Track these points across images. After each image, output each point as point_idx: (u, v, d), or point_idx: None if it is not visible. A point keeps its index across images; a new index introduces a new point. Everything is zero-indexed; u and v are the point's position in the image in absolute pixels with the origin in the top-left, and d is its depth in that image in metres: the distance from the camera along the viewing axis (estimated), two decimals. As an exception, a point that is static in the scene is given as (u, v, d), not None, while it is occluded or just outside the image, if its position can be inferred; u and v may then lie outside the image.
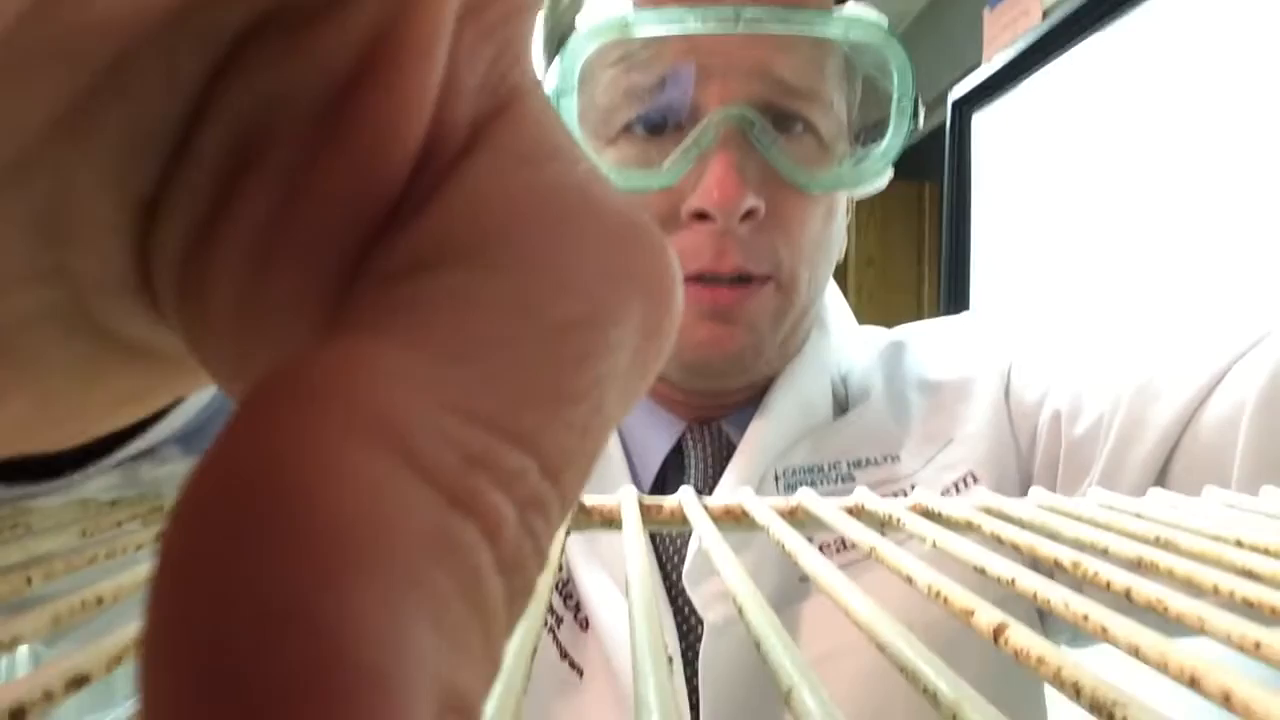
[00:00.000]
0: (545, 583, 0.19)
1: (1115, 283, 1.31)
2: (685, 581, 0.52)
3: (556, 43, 0.56)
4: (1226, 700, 0.13)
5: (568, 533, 0.27)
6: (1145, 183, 1.25)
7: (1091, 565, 0.20)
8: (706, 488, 0.56)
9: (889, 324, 0.73)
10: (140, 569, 0.20)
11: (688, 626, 0.52)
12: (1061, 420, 0.55)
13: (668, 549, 0.55)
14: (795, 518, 0.29)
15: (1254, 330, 0.46)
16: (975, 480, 0.56)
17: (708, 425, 0.59)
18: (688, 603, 0.52)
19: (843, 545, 0.53)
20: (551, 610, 0.54)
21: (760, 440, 0.56)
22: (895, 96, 0.56)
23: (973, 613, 0.17)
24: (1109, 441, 0.50)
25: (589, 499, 0.30)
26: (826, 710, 0.13)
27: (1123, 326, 1.24)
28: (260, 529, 0.06)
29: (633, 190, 0.53)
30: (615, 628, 0.51)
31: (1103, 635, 0.16)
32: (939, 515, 0.28)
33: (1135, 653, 0.15)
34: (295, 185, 0.09)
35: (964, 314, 0.75)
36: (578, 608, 0.54)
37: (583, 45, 0.52)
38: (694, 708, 0.50)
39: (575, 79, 0.53)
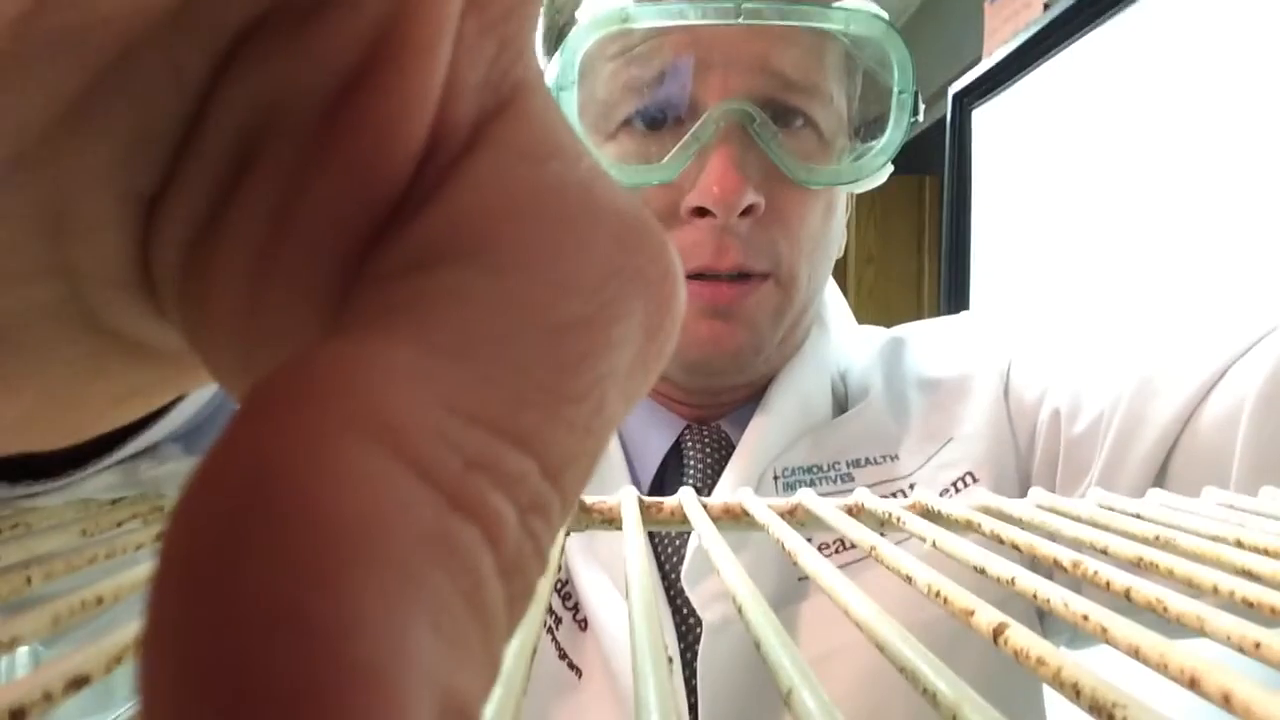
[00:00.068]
0: (544, 584, 0.19)
1: (1116, 278, 1.31)
2: (684, 581, 0.52)
3: (556, 36, 0.56)
4: (1226, 701, 0.13)
5: (567, 533, 0.27)
6: (1146, 178, 1.25)
7: (1091, 565, 0.20)
8: (705, 487, 0.56)
9: (889, 320, 0.73)
10: (140, 569, 0.20)
11: (686, 626, 0.52)
12: (1061, 419, 0.55)
13: (666, 549, 0.55)
14: (795, 517, 0.29)
15: (1254, 329, 0.46)
16: (974, 479, 0.56)
17: (706, 424, 0.59)
18: (686, 602, 0.52)
19: (842, 545, 0.53)
20: (550, 610, 0.54)
21: (759, 439, 0.56)
22: (895, 90, 0.56)
23: (973, 613, 0.17)
24: (1108, 440, 0.50)
25: (588, 498, 0.30)
26: (826, 710, 0.13)
27: (1122, 324, 1.24)
28: (260, 530, 0.06)
29: (632, 185, 0.53)
30: (614, 628, 0.51)
31: (1102, 635, 0.16)
32: (939, 515, 0.29)
33: (1135, 653, 0.15)
34: (297, 184, 0.09)
35: (963, 313, 0.75)
36: (576, 608, 0.54)
37: (582, 39, 0.52)
38: (692, 707, 0.50)
39: (575, 73, 0.53)
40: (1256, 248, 1.02)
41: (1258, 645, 0.15)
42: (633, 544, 0.24)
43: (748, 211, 0.52)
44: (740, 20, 0.51)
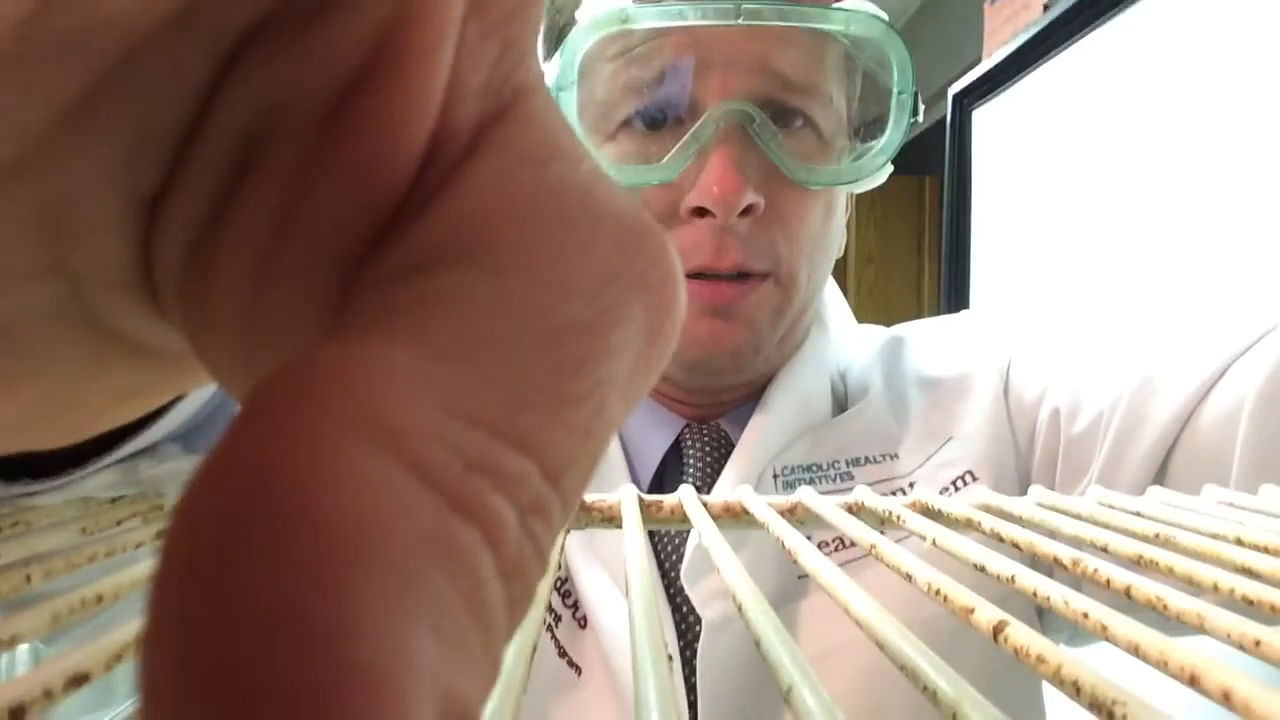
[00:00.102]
0: (544, 584, 0.19)
1: (1116, 278, 1.31)
2: (683, 579, 0.52)
3: (556, 37, 0.56)
4: (1226, 698, 0.13)
5: (567, 531, 0.27)
6: (1146, 178, 1.25)
7: (1091, 563, 0.20)
8: (705, 486, 0.56)
9: (889, 320, 0.73)
10: (140, 567, 0.20)
11: (686, 624, 0.52)
12: (1061, 418, 0.55)
13: (665, 547, 0.55)
14: (795, 515, 0.29)
15: (1254, 328, 0.46)
16: (974, 478, 0.56)
17: (706, 423, 0.59)
18: (686, 601, 0.52)
19: (841, 543, 0.53)
20: (550, 608, 0.54)
21: (759, 438, 0.56)
22: (895, 91, 0.56)
23: (973, 611, 0.17)
24: (1108, 438, 0.50)
25: (588, 496, 0.30)
26: (826, 708, 0.13)
27: (1122, 323, 1.24)
28: (261, 531, 0.06)
29: (632, 185, 0.53)
30: (614, 626, 0.51)
31: (1102, 633, 0.16)
32: (939, 513, 0.29)
33: (1135, 651, 0.15)
34: (299, 185, 0.09)
35: (963, 312, 0.75)
36: (576, 606, 0.54)
37: (582, 39, 0.52)
38: (691, 705, 0.50)
39: (574, 73, 0.53)
40: (1257, 248, 1.02)
41: (1258, 643, 0.15)
42: (633, 542, 0.24)
43: (747, 211, 0.52)
44: (740, 21, 0.51)
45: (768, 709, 0.50)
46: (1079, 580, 0.21)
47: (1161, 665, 0.14)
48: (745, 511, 0.29)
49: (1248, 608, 0.18)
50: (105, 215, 0.10)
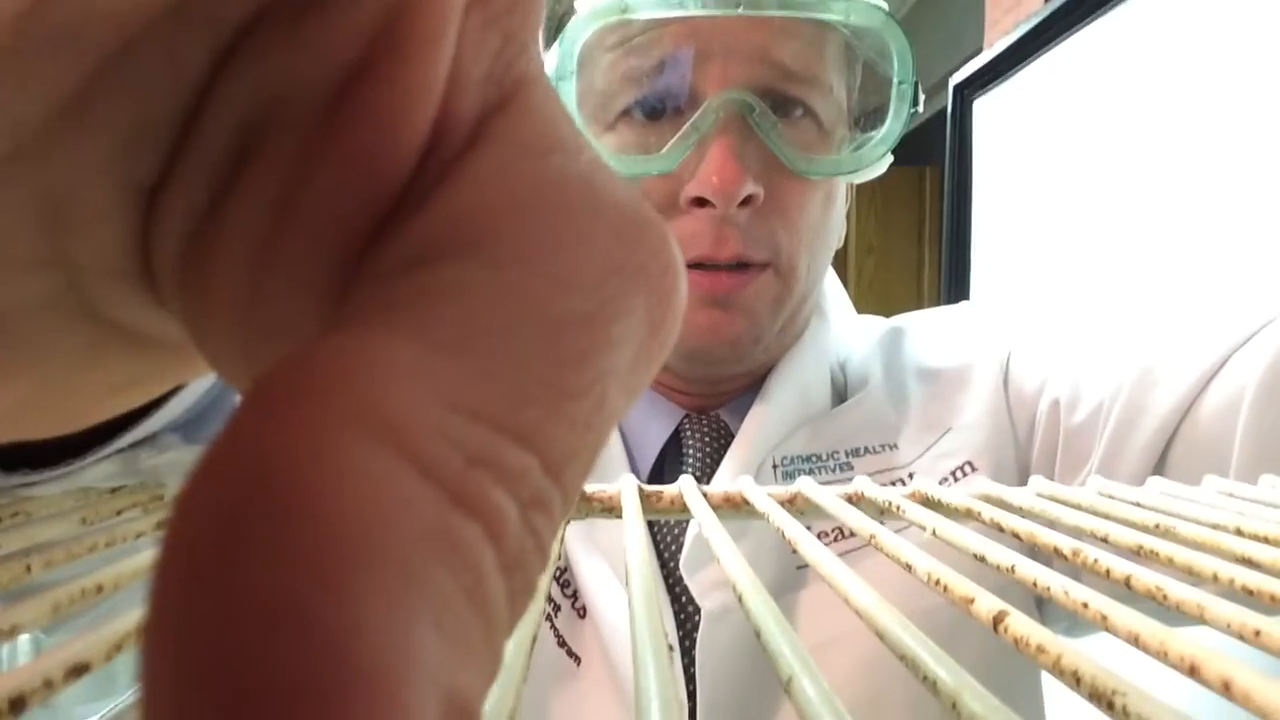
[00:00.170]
0: (544, 575, 0.19)
1: (1117, 269, 1.31)
2: (682, 569, 0.52)
3: (555, 26, 0.55)
4: (1226, 688, 0.13)
5: (566, 521, 0.27)
6: (1148, 169, 1.25)
7: (1091, 553, 0.20)
8: (704, 476, 0.56)
9: (889, 311, 0.73)
10: (140, 557, 0.20)
11: (685, 614, 0.52)
12: (1060, 408, 0.55)
13: (664, 537, 0.55)
14: (795, 505, 0.30)
15: (1254, 319, 0.46)
16: (973, 469, 0.56)
17: (706, 413, 0.59)
18: (685, 591, 0.52)
19: (841, 534, 0.53)
20: (549, 598, 0.54)
21: (758, 429, 0.56)
22: (895, 81, 0.56)
23: (973, 601, 0.17)
24: (1108, 429, 0.50)
25: (588, 486, 0.30)
26: (826, 698, 0.13)
27: (1123, 314, 1.24)
28: (262, 527, 0.06)
29: (631, 175, 0.53)
30: (613, 616, 0.51)
31: (1102, 623, 0.16)
32: (938, 503, 0.29)
33: (1135, 641, 0.15)
34: (298, 176, 0.09)
35: (963, 303, 0.75)
36: (575, 596, 0.54)
37: (581, 29, 0.52)
38: (691, 695, 0.50)
39: (574, 63, 0.53)
40: (1258, 238, 1.02)
41: (1258, 633, 0.15)
42: (633, 532, 0.24)
43: (747, 202, 0.52)
44: (740, 10, 0.51)
45: (767, 699, 0.50)
46: (1078, 570, 0.21)
47: (1161, 655, 0.14)
48: (745, 502, 0.29)
49: (1248, 598, 0.18)
50: (103, 205, 0.10)
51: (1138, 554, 0.22)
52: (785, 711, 0.50)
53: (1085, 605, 0.17)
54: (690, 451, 0.58)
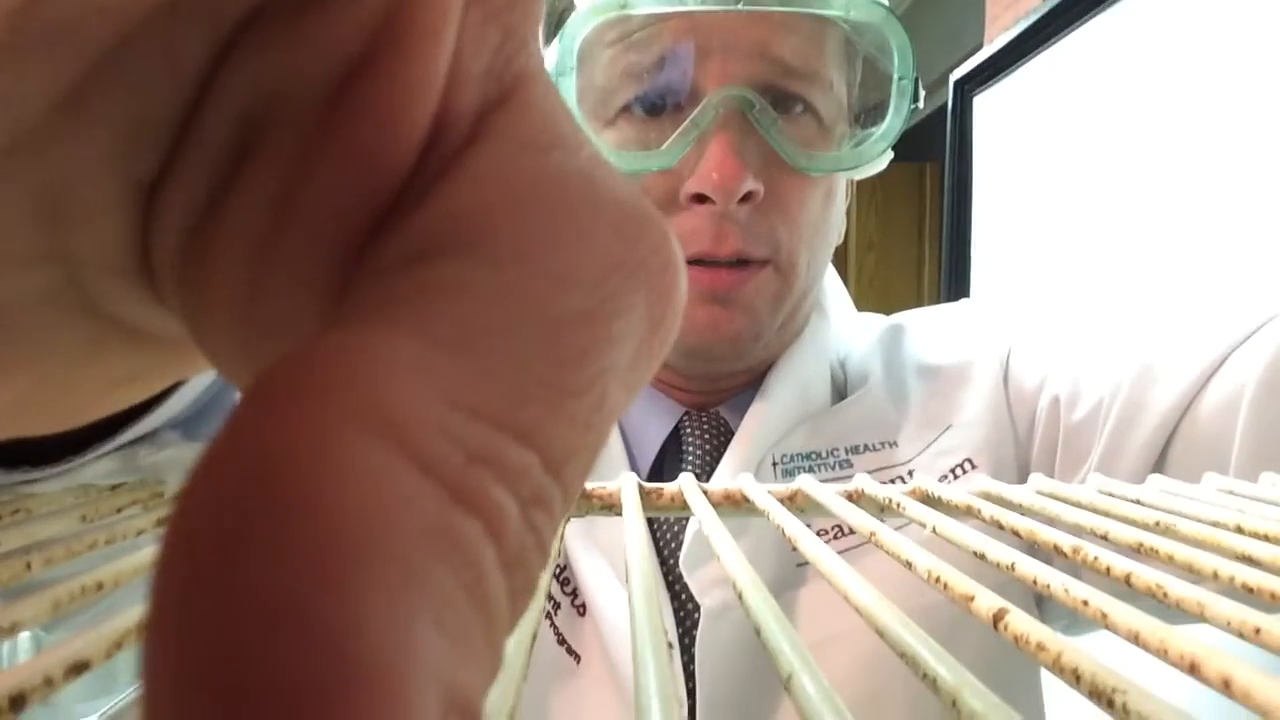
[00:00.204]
0: (544, 573, 0.19)
1: (1117, 266, 1.30)
2: (682, 567, 0.52)
3: (555, 22, 0.55)
4: (1226, 686, 0.13)
5: (566, 519, 0.27)
6: (1148, 166, 1.25)
7: (1091, 551, 0.20)
8: (704, 474, 0.56)
9: (890, 307, 0.73)
10: (140, 554, 0.20)
11: (684, 612, 0.52)
12: (1060, 406, 0.55)
13: (664, 534, 0.55)
14: (795, 503, 0.29)
15: (1254, 316, 0.46)
16: (973, 466, 0.56)
17: (706, 411, 0.59)
18: (685, 588, 0.52)
19: (840, 531, 0.53)
20: (549, 596, 0.54)
21: (758, 426, 0.56)
22: (895, 77, 0.56)
23: (973, 598, 0.17)
24: (1108, 427, 0.50)
25: (588, 483, 0.30)
26: (826, 695, 0.13)
27: (1123, 311, 1.24)
28: (262, 524, 0.06)
29: (631, 172, 0.53)
30: (612, 613, 0.51)
31: (1102, 621, 0.16)
32: (938, 500, 0.29)
33: (1135, 639, 0.15)
34: (298, 171, 0.09)
35: (963, 301, 0.75)
36: (575, 593, 0.54)
37: (581, 24, 0.52)
38: (690, 693, 0.50)
39: (573, 59, 0.53)
40: (1259, 235, 1.02)
41: (1258, 631, 0.15)
42: (633, 530, 0.24)
43: (747, 198, 0.52)
44: (740, 6, 0.50)
45: (766, 696, 0.50)
46: (1078, 568, 0.21)
47: (1161, 653, 0.14)
48: (745, 499, 0.29)
49: (1248, 595, 0.18)
50: (103, 200, 0.10)
51: (1138, 551, 0.22)
52: (785, 709, 0.50)
53: (1085, 603, 0.17)
54: (690, 449, 0.58)
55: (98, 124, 0.09)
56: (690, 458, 0.57)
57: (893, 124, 0.56)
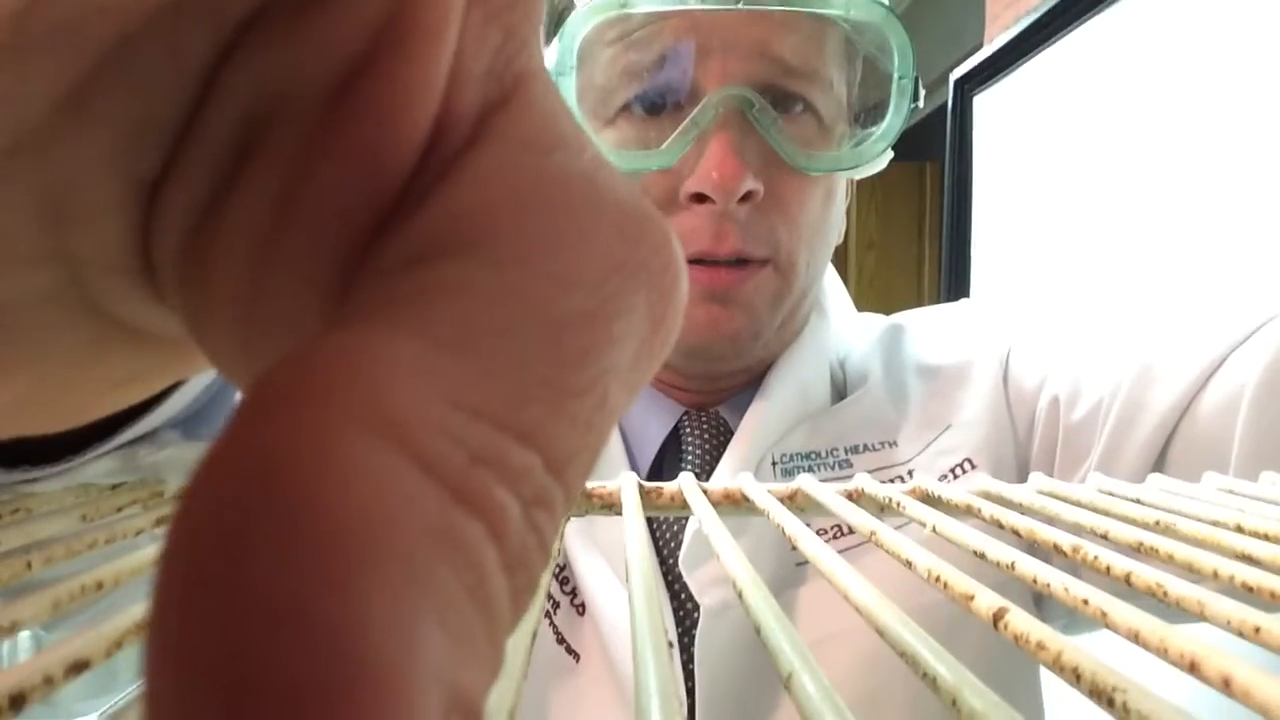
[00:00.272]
0: (545, 574, 0.19)
1: (1117, 266, 1.30)
2: (681, 566, 0.52)
3: (555, 21, 0.55)
4: (1226, 685, 0.13)
5: (566, 518, 0.27)
6: (1149, 165, 1.25)
7: (1091, 550, 0.20)
8: (704, 473, 0.56)
9: (889, 307, 0.73)
10: (141, 554, 0.20)
11: (684, 611, 0.52)
12: (1060, 406, 0.55)
13: (663, 534, 0.55)
14: (795, 502, 0.30)
15: (1254, 317, 0.46)
16: (972, 466, 0.56)
17: (705, 410, 0.59)
18: (684, 588, 0.52)
19: (840, 531, 0.53)
20: (548, 595, 0.54)
21: (758, 425, 0.56)
22: (895, 76, 0.56)
23: (973, 597, 0.17)
24: (1107, 427, 0.50)
25: (588, 483, 0.30)
26: (826, 694, 0.13)
27: (1123, 311, 1.24)
28: (265, 527, 0.06)
29: (631, 171, 0.53)
30: (612, 613, 0.51)
31: (1102, 620, 0.16)
32: (938, 500, 0.29)
33: (1135, 638, 0.15)
34: (300, 170, 0.09)
35: (963, 300, 0.75)
36: (574, 593, 0.54)
37: (580, 24, 0.52)
38: (689, 692, 0.50)
39: (573, 58, 0.53)
40: (1259, 236, 1.02)
41: (1258, 630, 0.15)
42: (633, 529, 0.24)
43: (747, 197, 0.52)
44: (740, 6, 0.50)
45: (765, 695, 0.51)
46: (1078, 567, 0.21)
47: (1161, 652, 0.14)
48: (745, 498, 0.29)
49: (1248, 595, 0.18)
50: (105, 200, 0.10)
51: (1138, 551, 0.22)
52: (784, 708, 0.51)
53: (1085, 602, 0.17)
54: (690, 448, 0.58)
55: (100, 124, 0.09)
56: (690, 457, 0.57)
57: (893, 123, 0.56)
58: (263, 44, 0.09)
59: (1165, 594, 0.17)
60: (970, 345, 0.62)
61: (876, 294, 3.24)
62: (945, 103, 1.85)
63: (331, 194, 0.09)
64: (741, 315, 0.54)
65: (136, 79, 0.09)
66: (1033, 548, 0.23)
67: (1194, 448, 0.47)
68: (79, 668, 0.14)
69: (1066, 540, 0.21)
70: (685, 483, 0.30)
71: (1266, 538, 0.22)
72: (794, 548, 0.23)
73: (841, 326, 0.65)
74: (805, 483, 0.30)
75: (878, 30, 0.55)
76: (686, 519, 0.54)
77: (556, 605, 0.54)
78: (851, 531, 0.51)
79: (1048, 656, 0.14)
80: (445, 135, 0.09)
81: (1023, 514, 0.25)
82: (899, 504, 0.27)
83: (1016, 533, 0.24)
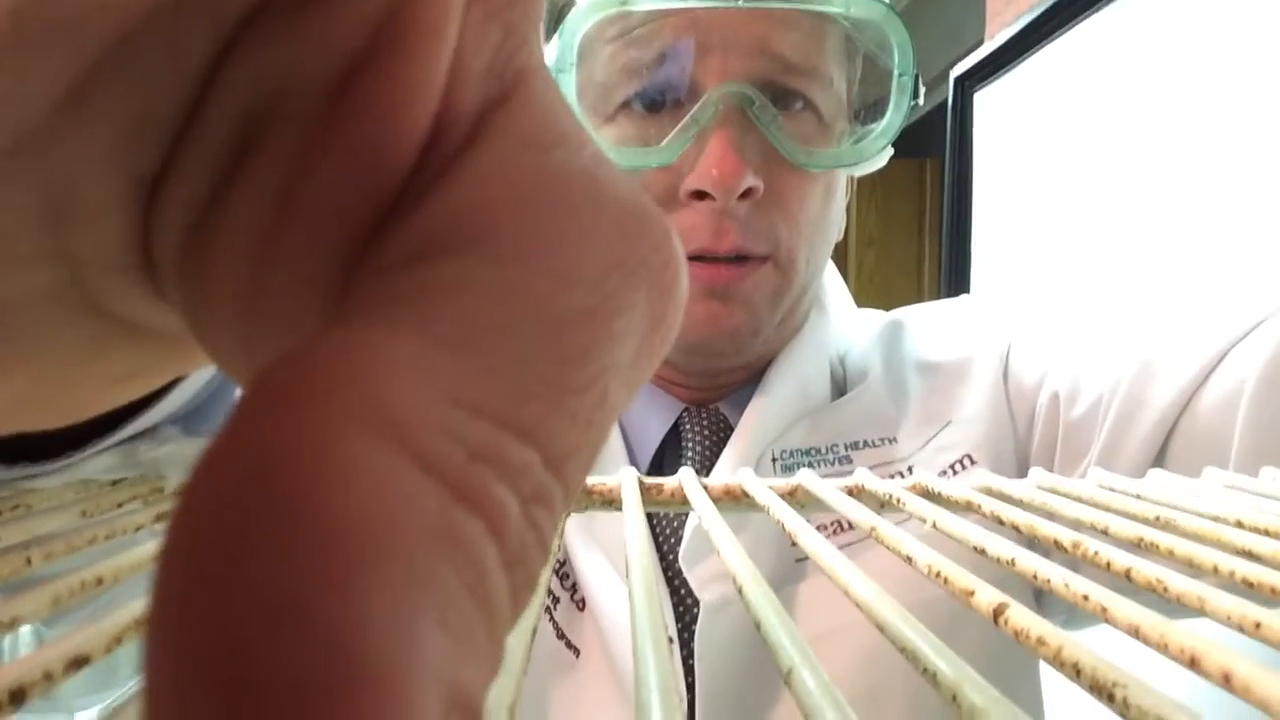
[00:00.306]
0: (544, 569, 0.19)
1: (1117, 262, 1.30)
2: (681, 562, 0.52)
3: (555, 19, 0.55)
4: (1226, 680, 0.13)
5: (566, 514, 0.27)
6: (1149, 162, 1.25)
7: (1091, 545, 0.20)
8: (703, 469, 0.56)
9: (889, 303, 0.73)
10: (140, 549, 0.20)
11: (684, 607, 0.52)
12: (1060, 402, 0.55)
13: (663, 529, 0.55)
14: (795, 498, 0.30)
15: (1254, 313, 0.46)
16: (972, 462, 0.56)
17: (705, 406, 0.59)
18: (684, 583, 0.52)
19: (840, 527, 0.53)
20: (548, 591, 0.54)
21: (758, 421, 0.56)
22: (896, 73, 0.56)
23: (973, 593, 0.17)
24: (1107, 423, 0.50)
25: (588, 478, 0.30)
26: (826, 690, 0.13)
27: (1123, 308, 1.24)
28: (265, 525, 0.06)
29: (631, 168, 0.53)
30: (612, 608, 0.51)
31: (1102, 615, 0.16)
32: (939, 496, 0.29)
33: (1135, 633, 0.15)
34: (300, 168, 0.09)
35: (963, 297, 0.75)
36: (574, 588, 0.54)
37: (580, 21, 0.52)
38: (689, 688, 0.50)
39: (573, 55, 0.53)
40: (1260, 231, 1.02)
41: (1258, 625, 0.15)
42: (633, 525, 0.24)
43: (747, 194, 0.52)
44: (740, 3, 0.50)
45: (765, 691, 0.51)
46: (1078, 563, 0.21)
47: (1162, 647, 0.14)
48: (745, 494, 0.29)
49: (1248, 590, 0.18)
50: (105, 197, 0.10)
51: (1138, 546, 0.22)
52: (783, 703, 0.51)
53: (1086, 597, 0.17)
54: (690, 444, 0.58)
55: (100, 121, 0.09)
56: (690, 454, 0.57)
57: (893, 120, 0.56)
58: (263, 41, 0.09)
59: (1165, 589, 0.17)
60: (970, 342, 0.62)
61: (877, 291, 3.24)
62: (946, 100, 1.85)
63: (331, 191, 0.09)
64: (741, 312, 0.54)
65: (136, 76, 0.09)
66: (1033, 543, 0.23)
67: (1194, 444, 0.47)
68: (79, 663, 0.14)
69: (1067, 536, 0.21)
70: (685, 478, 0.30)
71: (1267, 533, 0.22)
72: (794, 543, 0.23)
73: (841, 323, 0.65)
74: (805, 478, 0.30)
75: (878, 27, 0.55)
76: (686, 515, 0.54)
77: (556, 601, 0.54)
78: (851, 527, 0.51)
79: (1048, 652, 0.14)
80: (445, 132, 0.09)
81: (1023, 509, 0.25)
82: (899, 500, 0.27)
83: (1017, 528, 0.24)
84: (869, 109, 0.58)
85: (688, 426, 0.58)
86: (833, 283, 0.66)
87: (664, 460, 0.58)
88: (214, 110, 0.09)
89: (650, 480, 0.30)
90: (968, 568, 0.18)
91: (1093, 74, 1.40)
